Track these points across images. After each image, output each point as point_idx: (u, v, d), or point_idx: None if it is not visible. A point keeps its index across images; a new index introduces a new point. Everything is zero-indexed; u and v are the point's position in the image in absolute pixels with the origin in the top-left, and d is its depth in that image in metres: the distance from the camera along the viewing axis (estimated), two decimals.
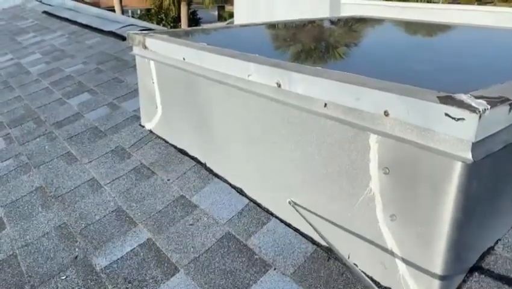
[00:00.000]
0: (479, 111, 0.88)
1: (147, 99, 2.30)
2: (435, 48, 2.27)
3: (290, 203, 1.47)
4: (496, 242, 1.27)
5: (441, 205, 1.03)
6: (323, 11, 8.48)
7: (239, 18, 11.13)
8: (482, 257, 1.23)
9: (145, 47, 2.11)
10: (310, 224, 1.38)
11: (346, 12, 8.71)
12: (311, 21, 3.15)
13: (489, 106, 0.90)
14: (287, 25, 2.95)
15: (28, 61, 4.17)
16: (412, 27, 3.02)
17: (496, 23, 3.09)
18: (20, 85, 3.55)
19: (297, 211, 1.43)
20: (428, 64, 1.67)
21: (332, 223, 1.34)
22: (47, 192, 1.99)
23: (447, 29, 2.86)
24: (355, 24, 3.09)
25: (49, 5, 6.54)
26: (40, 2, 6.93)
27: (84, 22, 4.92)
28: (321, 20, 3.40)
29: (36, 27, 5.52)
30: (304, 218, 1.41)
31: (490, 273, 1.18)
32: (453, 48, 2.26)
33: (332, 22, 3.39)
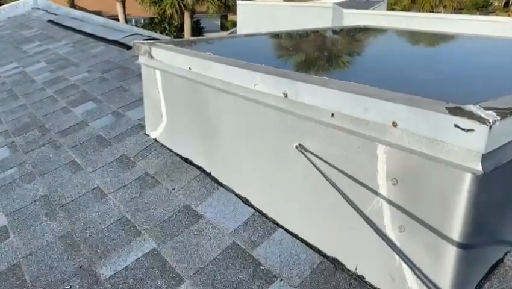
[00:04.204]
0: (489, 122, 0.88)
1: (152, 108, 2.30)
2: (441, 58, 2.27)
3: (297, 148, 1.39)
4: (505, 255, 1.26)
5: (450, 216, 1.02)
6: (326, 21, 8.54)
7: (242, 28, 11.23)
8: (491, 269, 1.21)
9: (151, 57, 2.12)
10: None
11: (349, 21, 8.76)
12: (315, 31, 3.16)
13: (499, 118, 0.90)
14: (292, 35, 2.96)
15: (32, 69, 4.19)
16: (416, 37, 3.03)
17: (499, 33, 3.09)
18: (24, 93, 3.56)
19: (306, 156, 1.36)
20: (435, 74, 1.66)
21: (340, 233, 1.33)
22: (52, 201, 1.99)
23: (452, 38, 2.86)
24: (359, 34, 3.10)
25: (55, 14, 6.60)
26: (46, 11, 7.00)
27: (88, 31, 4.96)
28: (326, 29, 3.41)
29: (41, 36, 5.56)
30: (313, 164, 1.32)
31: (499, 286, 1.17)
32: (460, 58, 2.26)
33: (336, 32, 3.40)
